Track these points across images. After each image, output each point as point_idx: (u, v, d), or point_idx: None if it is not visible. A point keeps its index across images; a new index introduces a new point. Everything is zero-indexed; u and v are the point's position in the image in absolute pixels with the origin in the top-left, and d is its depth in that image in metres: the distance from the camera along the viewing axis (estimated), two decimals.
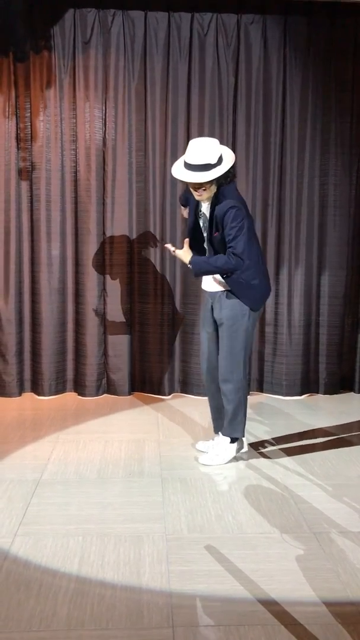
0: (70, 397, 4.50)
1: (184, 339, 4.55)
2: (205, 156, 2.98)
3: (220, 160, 3.02)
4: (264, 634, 1.93)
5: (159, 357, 4.54)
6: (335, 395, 4.61)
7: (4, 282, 4.41)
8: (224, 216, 3.04)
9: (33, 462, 3.29)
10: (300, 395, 4.58)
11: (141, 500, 2.85)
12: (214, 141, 3.09)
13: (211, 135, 4.33)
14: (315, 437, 3.73)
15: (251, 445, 3.53)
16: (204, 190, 3.06)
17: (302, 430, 3.86)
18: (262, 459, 3.34)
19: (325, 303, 4.58)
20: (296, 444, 3.59)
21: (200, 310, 3.40)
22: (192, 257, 3.17)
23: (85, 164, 4.34)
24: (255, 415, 4.10)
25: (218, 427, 3.39)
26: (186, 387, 4.58)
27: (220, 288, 3.22)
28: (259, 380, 4.64)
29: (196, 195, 3.11)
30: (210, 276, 3.23)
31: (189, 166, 3.02)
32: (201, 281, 4.47)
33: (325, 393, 4.63)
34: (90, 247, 4.38)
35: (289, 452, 3.44)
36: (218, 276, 3.20)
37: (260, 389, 4.64)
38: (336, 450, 3.50)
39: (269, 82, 4.38)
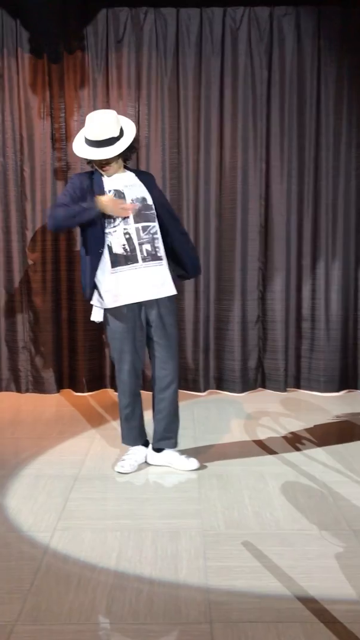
0: (107, 393, 4.55)
1: (218, 335, 4.54)
2: (108, 130, 2.89)
3: (122, 132, 2.96)
4: (302, 632, 1.91)
5: (194, 354, 4.54)
6: None
7: (42, 280, 4.47)
8: (153, 182, 3.11)
9: (71, 457, 3.33)
10: (339, 391, 4.51)
11: (178, 496, 2.86)
12: (113, 113, 2.99)
13: (244, 129, 4.32)
14: (354, 434, 3.68)
15: (288, 441, 3.50)
16: (110, 165, 2.97)
17: (340, 426, 3.80)
18: (300, 455, 3.31)
19: None
20: (334, 440, 3.54)
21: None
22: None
23: None
24: (292, 412, 4.07)
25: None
26: (221, 384, 4.57)
27: (167, 292, 3.04)
28: (295, 376, 4.59)
29: (103, 171, 2.99)
30: (164, 273, 3.03)
31: (92, 142, 2.91)
32: (234, 278, 4.44)
33: None
34: None
35: (327, 449, 3.40)
36: (168, 274, 3.04)
37: (298, 386, 4.59)
38: None
39: (303, 74, 4.32)
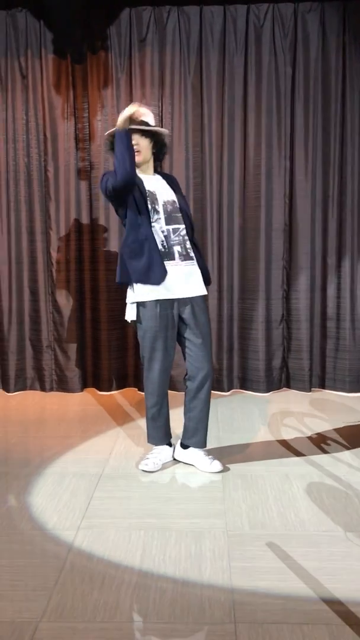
0: (131, 392, 4.56)
1: (242, 335, 4.52)
2: (146, 116, 2.98)
3: (155, 126, 3.06)
4: (328, 634, 1.88)
5: (218, 353, 4.52)
6: None
7: (65, 280, 4.50)
8: (179, 186, 3.18)
9: (95, 456, 3.34)
10: None
11: (202, 495, 2.84)
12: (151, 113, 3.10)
13: (268, 127, 4.30)
14: None
15: (313, 442, 3.47)
16: (139, 151, 2.97)
17: None
18: (325, 456, 3.27)
19: None
20: None
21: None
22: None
23: None
24: (317, 412, 4.03)
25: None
26: (245, 384, 4.55)
27: (201, 291, 3.08)
28: (320, 376, 4.55)
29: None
30: (198, 273, 3.08)
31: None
32: (258, 277, 4.42)
33: None
34: None
35: (353, 450, 3.36)
36: (200, 274, 3.08)
37: (323, 386, 4.55)
38: None
39: (328, 71, 4.28)
